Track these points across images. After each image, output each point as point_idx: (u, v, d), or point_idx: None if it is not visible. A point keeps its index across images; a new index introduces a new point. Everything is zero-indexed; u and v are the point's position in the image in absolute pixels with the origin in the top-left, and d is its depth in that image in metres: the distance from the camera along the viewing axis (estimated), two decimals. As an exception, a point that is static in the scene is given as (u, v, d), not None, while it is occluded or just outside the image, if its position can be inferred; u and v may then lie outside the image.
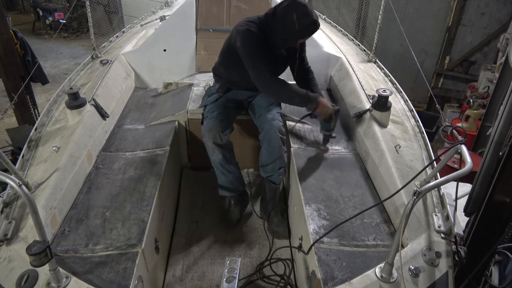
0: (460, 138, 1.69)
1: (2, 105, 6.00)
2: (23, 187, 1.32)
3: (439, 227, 1.69)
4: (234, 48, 2.25)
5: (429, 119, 5.01)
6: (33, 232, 1.58)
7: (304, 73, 2.56)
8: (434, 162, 1.99)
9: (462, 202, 1.98)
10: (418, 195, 1.33)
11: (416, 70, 5.65)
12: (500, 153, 1.96)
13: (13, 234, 1.61)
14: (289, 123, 2.68)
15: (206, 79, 3.10)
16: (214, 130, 2.28)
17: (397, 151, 2.12)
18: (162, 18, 3.77)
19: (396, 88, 2.95)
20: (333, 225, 1.79)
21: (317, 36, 3.48)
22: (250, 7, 3.36)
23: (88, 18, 3.26)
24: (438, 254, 1.57)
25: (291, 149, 2.43)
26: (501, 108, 1.86)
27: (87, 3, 3.22)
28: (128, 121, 2.76)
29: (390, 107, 2.33)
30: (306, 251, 1.81)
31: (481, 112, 4.83)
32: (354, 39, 4.04)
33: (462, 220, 2.24)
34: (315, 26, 2.13)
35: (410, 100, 2.77)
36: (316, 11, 2.19)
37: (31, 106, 4.93)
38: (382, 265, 1.52)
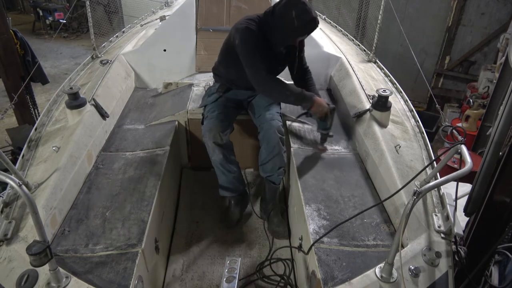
0: (460, 138, 1.69)
1: (2, 105, 6.01)
2: (23, 187, 1.32)
3: (439, 227, 1.69)
4: (233, 47, 2.25)
5: (429, 119, 5.01)
6: (33, 232, 1.58)
7: (302, 73, 2.56)
8: (434, 162, 1.99)
9: (462, 202, 1.98)
10: (418, 195, 1.33)
11: (416, 70, 5.65)
12: (500, 153, 1.96)
13: (13, 234, 1.61)
14: (289, 123, 2.68)
15: (206, 79, 3.10)
16: (215, 130, 2.28)
17: (397, 151, 2.12)
18: (162, 18, 3.77)
19: (396, 88, 2.95)
20: (333, 225, 1.79)
21: (317, 36, 3.48)
22: (250, 7, 3.36)
23: (88, 18, 3.26)
24: (438, 254, 1.57)
25: (291, 149, 2.43)
26: (501, 108, 1.86)
27: (87, 3, 3.22)
28: (128, 121, 2.76)
29: (390, 107, 2.33)
30: (306, 251, 1.81)
31: (481, 112, 4.82)
32: (354, 39, 4.04)
33: (462, 220, 2.25)
34: (314, 24, 2.13)
35: (410, 100, 2.77)
36: (316, 11, 2.19)
37: (31, 106, 4.93)
38: (382, 265, 1.52)
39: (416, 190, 1.33)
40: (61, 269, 1.45)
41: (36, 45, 6.63)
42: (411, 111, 2.64)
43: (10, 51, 4.56)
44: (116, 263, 1.60)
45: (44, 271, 1.46)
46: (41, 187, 1.82)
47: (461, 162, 1.53)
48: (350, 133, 2.61)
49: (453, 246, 1.66)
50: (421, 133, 2.36)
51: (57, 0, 10.50)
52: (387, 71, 3.23)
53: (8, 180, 1.36)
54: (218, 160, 2.32)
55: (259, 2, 3.37)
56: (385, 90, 2.32)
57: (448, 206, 1.74)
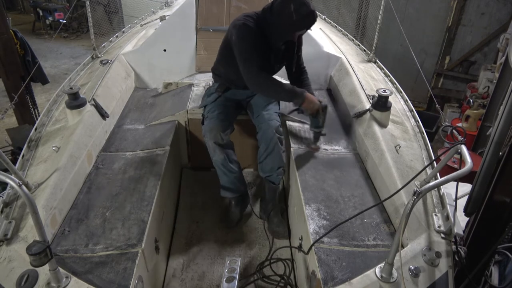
0: (460, 138, 1.69)
1: (2, 105, 6.01)
2: (23, 187, 1.32)
3: (439, 227, 1.69)
4: (231, 44, 2.25)
5: (429, 119, 5.00)
6: (33, 232, 1.58)
7: (299, 73, 2.56)
8: (434, 162, 1.99)
9: (462, 202, 1.98)
10: (418, 195, 1.33)
11: (416, 70, 5.64)
12: (500, 153, 1.96)
13: (13, 234, 1.61)
14: (289, 123, 2.68)
15: (206, 79, 3.10)
16: (215, 130, 2.28)
17: (397, 151, 2.12)
18: (162, 18, 3.76)
19: (396, 88, 2.95)
20: (333, 225, 1.79)
21: (317, 36, 3.48)
22: (250, 6, 3.36)
23: (88, 18, 3.26)
24: (438, 254, 1.57)
25: (291, 149, 2.43)
26: (501, 108, 1.86)
27: (87, 3, 3.22)
28: (128, 121, 2.76)
29: (390, 107, 2.33)
30: (306, 251, 1.81)
31: (481, 112, 4.82)
32: (354, 39, 4.04)
33: (462, 220, 2.25)
34: (312, 17, 2.13)
35: (410, 100, 2.77)
36: (316, 12, 2.19)
37: (31, 106, 4.93)
38: (382, 265, 1.52)
39: (416, 190, 1.33)
40: (61, 269, 1.45)
41: (36, 45, 6.63)
42: (411, 111, 2.64)
43: (10, 51, 4.56)
44: (116, 263, 1.60)
45: (44, 271, 1.45)
46: (41, 187, 1.82)
47: (461, 162, 1.53)
48: (350, 133, 2.61)
49: (453, 246, 1.66)
50: (421, 133, 2.36)
51: (57, 0, 10.50)
52: (387, 71, 3.23)
53: (8, 180, 1.36)
54: (220, 160, 2.32)
55: (259, 2, 3.37)
56: (385, 90, 2.32)
57: (448, 206, 1.74)
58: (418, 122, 2.48)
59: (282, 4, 2.13)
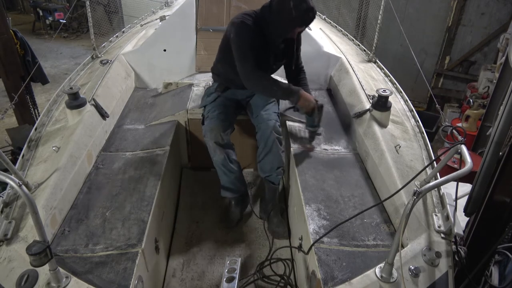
0: (460, 138, 1.69)
1: (2, 105, 6.01)
2: (23, 187, 1.32)
3: (439, 227, 1.69)
4: (230, 42, 2.26)
5: (429, 119, 5.01)
6: (33, 232, 1.58)
7: (297, 72, 2.56)
8: (434, 162, 1.99)
9: (462, 202, 1.98)
10: (418, 195, 1.33)
11: (416, 70, 5.65)
12: (500, 153, 1.96)
13: (13, 234, 1.61)
14: (289, 123, 2.68)
15: (206, 79, 3.10)
16: (216, 130, 2.28)
17: (397, 151, 2.12)
18: (162, 18, 3.76)
19: (396, 88, 2.95)
20: (333, 225, 1.79)
21: (317, 36, 3.48)
22: (250, 6, 3.35)
23: (88, 18, 3.26)
24: (438, 254, 1.57)
25: (291, 149, 2.43)
26: (501, 108, 1.86)
27: (87, 3, 3.22)
28: (128, 121, 2.76)
29: (390, 107, 2.33)
30: (306, 251, 1.81)
31: (481, 112, 4.82)
32: (354, 39, 4.04)
33: (462, 220, 2.25)
34: (312, 13, 2.13)
35: (410, 100, 2.77)
36: (315, 8, 2.19)
37: (31, 106, 4.93)
38: (382, 265, 1.52)
39: (416, 190, 1.33)
40: (61, 269, 1.45)
41: (36, 45, 6.63)
42: (411, 111, 2.64)
43: (10, 51, 4.56)
44: (116, 263, 1.60)
45: (44, 271, 1.45)
46: (41, 187, 1.82)
47: (461, 162, 1.53)
48: (350, 133, 2.61)
49: (453, 246, 1.66)
50: (421, 133, 2.36)
51: (57, 0, 10.51)
52: (387, 71, 3.23)
53: (8, 180, 1.36)
54: (220, 161, 2.32)
55: (259, 2, 3.35)
56: (385, 90, 2.32)
57: (448, 206, 1.74)
58: (418, 122, 2.48)
59: (281, 1, 2.13)
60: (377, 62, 3.40)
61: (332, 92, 3.23)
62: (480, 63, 5.92)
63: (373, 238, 1.78)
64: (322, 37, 3.67)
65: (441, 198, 1.83)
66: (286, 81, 2.53)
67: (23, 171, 1.97)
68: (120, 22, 7.33)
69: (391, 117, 2.38)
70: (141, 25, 4.27)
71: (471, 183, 2.09)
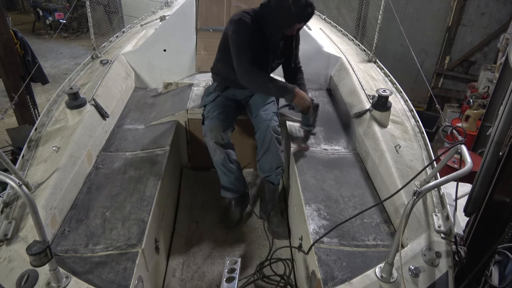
0: (460, 138, 1.69)
1: (2, 105, 6.01)
2: (23, 187, 1.32)
3: (439, 227, 1.69)
4: (228, 40, 2.26)
5: (429, 119, 5.01)
6: (33, 232, 1.58)
7: (294, 72, 2.56)
8: (434, 162, 1.99)
9: (462, 202, 1.97)
10: (418, 195, 1.33)
11: (416, 70, 5.65)
12: (500, 153, 1.96)
13: (13, 234, 1.61)
14: (288, 123, 2.68)
15: (206, 79, 3.10)
16: (216, 130, 2.28)
17: (397, 151, 2.12)
18: (162, 18, 3.76)
19: (396, 88, 2.95)
20: (333, 225, 1.79)
21: (317, 36, 3.48)
22: (250, 6, 3.35)
23: (88, 18, 3.26)
24: (438, 254, 1.57)
25: (291, 149, 2.43)
26: (501, 108, 1.86)
27: (87, 3, 3.22)
28: (128, 121, 2.76)
29: (390, 107, 2.33)
30: (306, 251, 1.81)
31: (481, 112, 4.83)
32: (354, 39, 4.04)
33: (462, 220, 2.25)
34: (311, 9, 2.13)
35: (410, 100, 2.77)
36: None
37: (31, 106, 4.93)
38: (382, 265, 1.52)
39: (416, 190, 1.33)
40: (61, 269, 1.45)
41: (36, 45, 6.63)
42: (411, 111, 2.64)
43: (10, 51, 4.56)
44: (116, 263, 1.60)
45: (44, 271, 1.45)
46: (41, 187, 1.82)
47: (461, 162, 1.53)
48: (350, 133, 2.61)
49: (453, 246, 1.66)
50: (421, 133, 2.36)
51: (57, 0, 10.51)
52: (387, 71, 3.23)
53: (8, 180, 1.36)
54: (220, 161, 2.32)
55: (259, 2, 3.36)
56: (385, 90, 2.32)
57: (448, 206, 1.74)
58: (418, 122, 2.48)
59: None
60: (377, 62, 3.40)
61: (332, 92, 3.23)
62: (480, 63, 5.92)
63: (373, 238, 1.78)
64: (322, 37, 3.66)
65: (441, 198, 1.83)
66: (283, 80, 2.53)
67: (23, 171, 1.97)
68: (120, 22, 7.33)
69: (391, 117, 2.38)
70: (141, 25, 4.27)
71: (471, 183, 2.09)
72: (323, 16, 4.65)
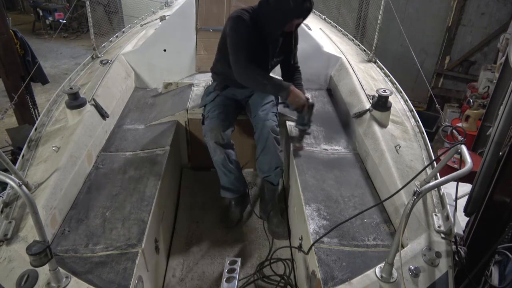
0: (460, 138, 1.69)
1: (2, 105, 6.01)
2: (23, 187, 1.32)
3: (439, 227, 1.69)
4: (226, 37, 2.26)
5: (429, 119, 5.01)
6: (33, 232, 1.58)
7: (292, 71, 2.56)
8: (434, 162, 1.99)
9: (462, 202, 1.97)
10: (418, 195, 1.33)
11: (416, 70, 5.65)
12: (500, 153, 1.96)
13: (13, 234, 1.61)
14: (288, 123, 2.68)
15: (206, 79, 3.10)
16: (216, 130, 2.28)
17: (397, 151, 2.12)
18: (162, 18, 3.76)
19: (396, 88, 2.95)
20: (333, 225, 1.79)
21: (317, 36, 3.48)
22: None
23: (88, 18, 3.26)
24: (438, 254, 1.57)
25: (291, 149, 2.43)
26: (501, 108, 1.86)
27: (87, 3, 3.22)
28: (128, 121, 2.76)
29: (390, 107, 2.33)
30: (306, 251, 1.81)
31: (481, 112, 4.83)
32: (354, 39, 4.04)
33: (462, 220, 2.25)
34: (309, 3, 2.13)
35: (410, 100, 2.77)
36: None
37: (31, 106, 4.93)
38: (382, 265, 1.52)
39: (416, 190, 1.33)
40: (61, 269, 1.45)
41: (36, 45, 6.63)
42: (411, 111, 2.64)
43: (10, 51, 4.56)
44: (116, 263, 1.60)
45: (44, 271, 1.45)
46: (41, 187, 1.82)
47: (461, 162, 1.53)
48: (350, 133, 2.61)
49: (453, 246, 1.66)
50: (421, 133, 2.36)
51: (57, 0, 10.51)
52: (387, 71, 3.23)
53: (8, 180, 1.36)
54: (220, 160, 2.31)
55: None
56: (385, 90, 2.32)
57: (448, 206, 1.74)
58: (418, 122, 2.48)
59: None
60: (377, 62, 3.40)
61: (332, 92, 3.23)
62: (480, 63, 5.92)
63: (373, 238, 1.78)
64: (322, 37, 3.66)
65: (441, 198, 1.83)
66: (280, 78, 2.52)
67: (23, 171, 1.97)
68: (120, 22, 7.33)
69: (391, 117, 2.38)
70: (141, 25, 4.27)
71: (471, 183, 2.09)
72: (323, 16, 4.65)
